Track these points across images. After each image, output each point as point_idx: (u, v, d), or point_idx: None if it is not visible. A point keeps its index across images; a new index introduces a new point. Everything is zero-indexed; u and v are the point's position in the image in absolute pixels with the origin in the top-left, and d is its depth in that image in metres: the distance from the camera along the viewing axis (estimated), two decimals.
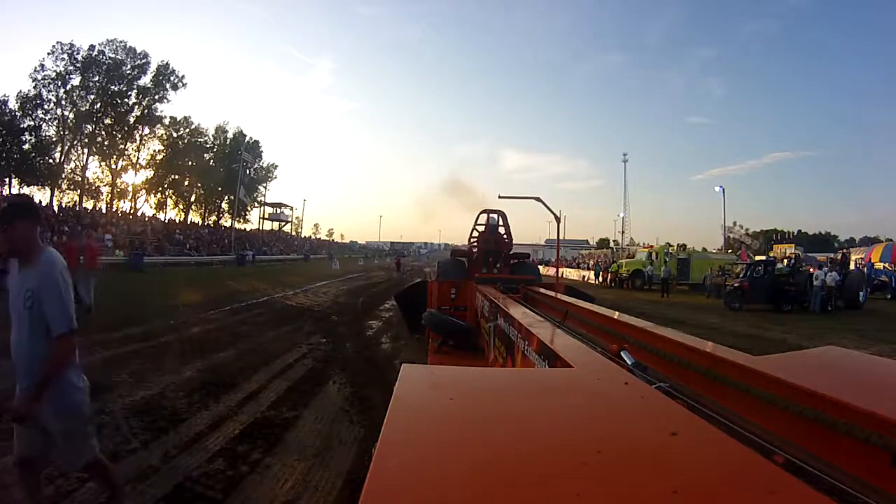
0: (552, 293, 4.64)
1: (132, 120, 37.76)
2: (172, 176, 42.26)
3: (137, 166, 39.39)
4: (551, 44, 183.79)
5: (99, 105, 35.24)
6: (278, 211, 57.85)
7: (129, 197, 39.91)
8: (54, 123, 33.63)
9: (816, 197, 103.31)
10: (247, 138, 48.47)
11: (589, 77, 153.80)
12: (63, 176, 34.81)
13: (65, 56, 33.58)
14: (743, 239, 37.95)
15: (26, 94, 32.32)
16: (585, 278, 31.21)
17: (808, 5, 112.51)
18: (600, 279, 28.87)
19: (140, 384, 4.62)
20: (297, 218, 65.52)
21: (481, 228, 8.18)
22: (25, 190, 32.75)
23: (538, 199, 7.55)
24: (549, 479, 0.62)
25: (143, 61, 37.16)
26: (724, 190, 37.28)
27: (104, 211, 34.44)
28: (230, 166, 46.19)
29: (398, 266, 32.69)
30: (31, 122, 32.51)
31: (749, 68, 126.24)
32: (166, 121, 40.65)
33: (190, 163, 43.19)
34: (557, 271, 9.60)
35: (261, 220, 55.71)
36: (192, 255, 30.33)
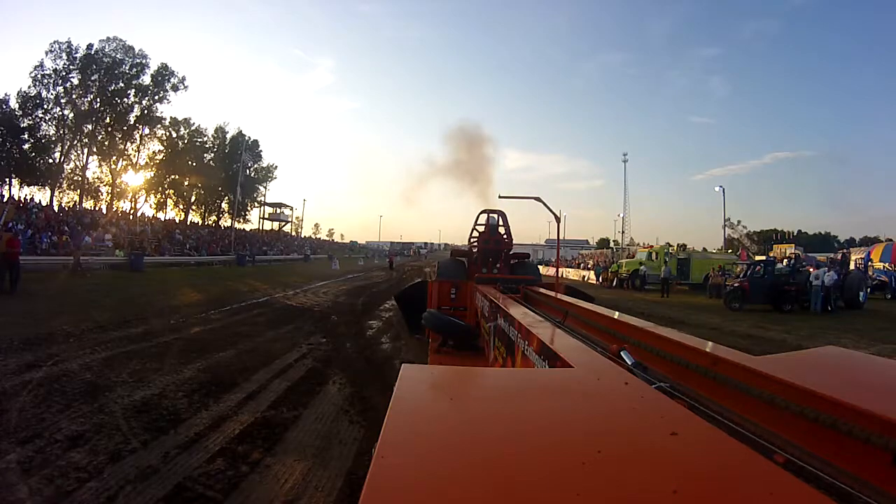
0: (552, 293, 4.64)
1: (132, 120, 37.81)
2: (172, 176, 42.27)
3: (137, 166, 39.43)
4: (552, 43, 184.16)
5: (98, 104, 35.27)
6: (278, 211, 57.87)
7: (129, 197, 39.95)
8: (54, 123, 33.68)
9: (816, 197, 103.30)
10: (247, 138, 48.51)
11: (590, 76, 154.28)
12: (63, 176, 34.85)
13: (63, 55, 33.63)
14: (743, 239, 37.85)
15: (26, 94, 32.34)
16: (585, 278, 31.24)
17: (810, 5, 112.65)
18: (600, 279, 28.87)
19: (140, 384, 4.62)
20: (297, 218, 65.61)
21: (481, 228, 8.19)
22: (25, 190, 32.83)
23: (538, 199, 7.55)
24: (549, 479, 0.62)
25: (143, 60, 37.23)
26: (724, 190, 37.32)
27: (104, 211, 34.44)
28: (230, 166, 46.22)
29: (391, 265, 34.69)
30: (31, 122, 32.54)
31: (751, 68, 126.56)
32: (166, 121, 40.74)
33: (190, 163, 43.20)
34: (557, 271, 9.59)
35: (261, 220, 55.77)
36: (192, 255, 30.35)
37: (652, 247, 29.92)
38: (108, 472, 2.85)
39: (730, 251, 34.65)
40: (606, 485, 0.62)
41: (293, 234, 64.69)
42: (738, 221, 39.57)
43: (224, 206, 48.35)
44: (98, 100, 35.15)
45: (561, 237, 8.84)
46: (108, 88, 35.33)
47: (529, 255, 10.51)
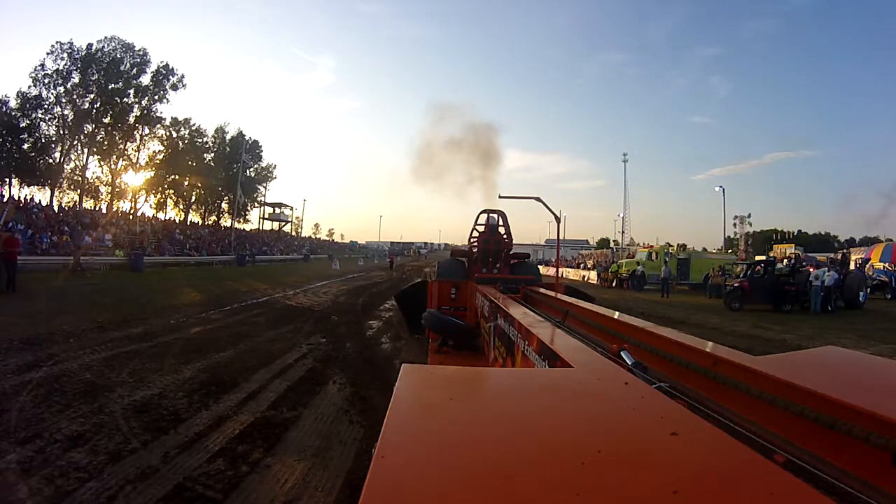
0: (552, 293, 4.64)
1: (132, 119, 37.81)
2: (172, 176, 42.27)
3: (137, 166, 39.44)
4: (553, 43, 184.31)
5: (98, 104, 35.27)
6: (278, 211, 57.85)
7: (129, 197, 39.95)
8: (54, 123, 33.68)
9: (816, 197, 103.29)
10: (247, 138, 48.51)
11: (591, 76, 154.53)
12: (63, 176, 34.83)
13: (64, 55, 33.65)
14: (740, 241, 37.58)
15: (26, 94, 32.35)
16: (585, 278, 31.21)
17: (810, 5, 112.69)
18: (600, 279, 28.86)
19: (140, 384, 4.62)
20: (297, 218, 65.61)
21: (481, 228, 8.17)
22: (25, 190, 32.83)
23: (538, 199, 7.55)
24: (548, 479, 0.62)
25: (142, 59, 37.22)
26: (724, 190, 37.27)
27: (104, 211, 34.43)
28: (230, 166, 46.23)
29: (391, 265, 34.76)
30: (31, 122, 32.54)
31: (751, 68, 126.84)
32: (167, 121, 40.75)
33: (190, 163, 43.20)
34: (557, 271, 9.59)
35: (261, 220, 55.77)
36: (192, 255, 30.35)
37: (652, 247, 29.91)
38: (108, 472, 2.86)
39: (730, 251, 34.62)
40: (606, 485, 0.62)
41: (293, 234, 64.67)
42: (749, 216, 38.60)
43: (224, 206, 48.35)
44: (98, 99, 35.15)
45: (561, 237, 8.84)
46: (107, 88, 35.32)
47: (529, 255, 10.49)
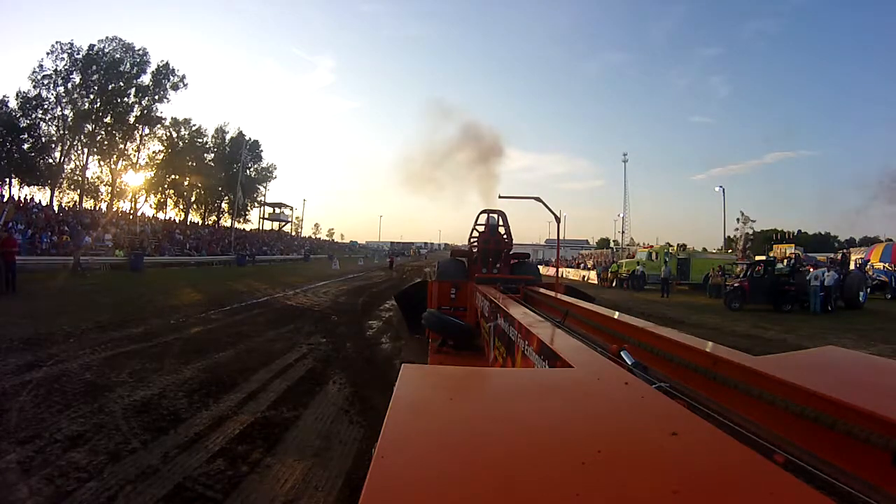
0: (552, 293, 4.64)
1: (132, 119, 37.80)
2: (172, 176, 42.26)
3: (137, 166, 39.45)
4: (553, 43, 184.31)
5: (99, 104, 35.26)
6: (278, 211, 57.89)
7: (129, 197, 39.94)
8: (54, 123, 33.68)
9: (816, 197, 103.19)
10: (247, 138, 48.53)
11: (591, 76, 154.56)
12: (63, 176, 34.83)
13: (64, 55, 33.66)
14: (738, 242, 37.39)
15: (26, 94, 32.35)
16: (585, 278, 31.21)
17: (810, 5, 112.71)
18: (600, 279, 28.86)
19: (140, 384, 4.62)
20: (297, 218, 65.64)
21: (481, 228, 8.17)
22: (25, 190, 32.83)
23: (538, 199, 7.55)
24: (548, 479, 0.62)
25: (142, 59, 37.23)
26: (724, 190, 37.25)
27: (104, 211, 34.42)
28: (230, 166, 46.24)
29: (391, 265, 34.84)
30: (31, 122, 32.53)
31: (751, 68, 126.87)
32: (167, 121, 40.75)
33: (190, 163, 43.19)
34: (557, 271, 9.59)
35: (261, 220, 55.81)
36: (192, 255, 30.35)
37: (652, 247, 29.92)
38: (108, 472, 2.85)
39: (730, 251, 34.59)
40: (606, 485, 0.62)
41: (293, 234, 64.68)
42: (754, 221, 38.34)
43: (224, 206, 48.36)
44: (98, 99, 35.14)
45: (561, 237, 8.84)
46: (107, 88, 35.31)
47: (529, 255, 10.49)
